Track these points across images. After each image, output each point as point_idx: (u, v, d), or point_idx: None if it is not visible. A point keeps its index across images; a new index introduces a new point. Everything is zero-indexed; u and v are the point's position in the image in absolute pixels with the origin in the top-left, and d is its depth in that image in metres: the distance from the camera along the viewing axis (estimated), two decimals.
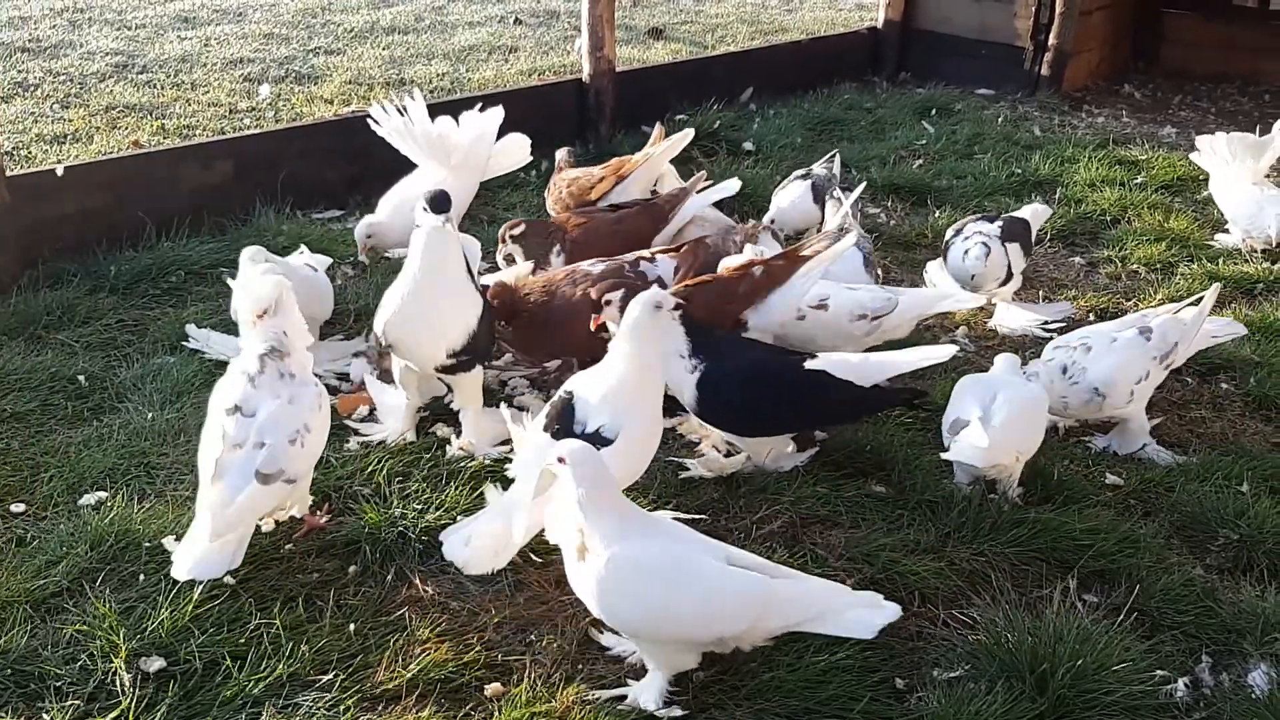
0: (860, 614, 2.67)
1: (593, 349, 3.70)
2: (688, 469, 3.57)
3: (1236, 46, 8.85)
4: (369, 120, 5.03)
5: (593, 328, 3.64)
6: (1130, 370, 3.79)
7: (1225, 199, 5.69)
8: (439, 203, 3.38)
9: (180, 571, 2.92)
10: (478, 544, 3.05)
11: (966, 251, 4.53)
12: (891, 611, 2.67)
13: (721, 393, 3.42)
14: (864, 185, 5.13)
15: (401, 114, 4.93)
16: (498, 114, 5.05)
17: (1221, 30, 8.91)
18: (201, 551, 2.93)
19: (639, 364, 3.10)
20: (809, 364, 3.51)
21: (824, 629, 2.68)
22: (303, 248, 4.49)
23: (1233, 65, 8.88)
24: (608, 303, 3.55)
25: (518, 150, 5.22)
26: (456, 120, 5.07)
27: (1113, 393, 3.76)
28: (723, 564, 2.66)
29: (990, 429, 3.35)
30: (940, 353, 3.66)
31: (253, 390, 3.06)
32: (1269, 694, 2.82)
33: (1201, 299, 3.96)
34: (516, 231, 4.45)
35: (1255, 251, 5.55)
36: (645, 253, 4.24)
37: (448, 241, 3.43)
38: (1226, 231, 5.73)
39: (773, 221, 5.18)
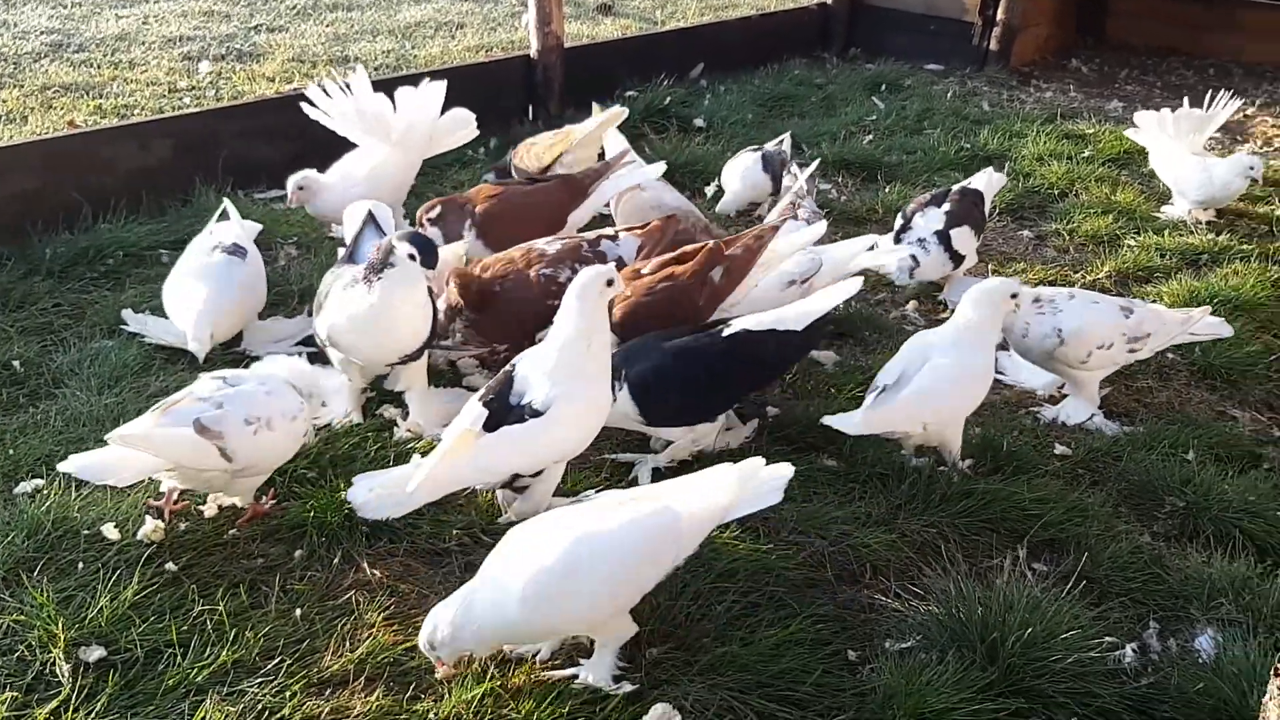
0: (761, 485, 2.73)
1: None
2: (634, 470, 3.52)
3: (1180, 21, 8.94)
4: (302, 104, 4.87)
5: None
6: (1099, 330, 3.80)
7: (1169, 172, 5.74)
8: (427, 256, 3.27)
9: (68, 465, 2.98)
10: (380, 492, 3.02)
11: (899, 260, 4.52)
12: (786, 469, 2.73)
13: (657, 392, 3.34)
14: (817, 162, 5.08)
15: (345, 90, 4.81)
16: (440, 89, 4.94)
17: (1165, 4, 8.99)
18: (100, 455, 2.99)
19: (583, 338, 3.05)
20: (726, 331, 3.44)
21: (739, 513, 2.75)
22: (211, 230, 4.23)
23: (1176, 39, 8.97)
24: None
25: (462, 126, 5.11)
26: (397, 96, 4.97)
27: (1073, 341, 3.77)
28: (621, 520, 2.61)
29: (899, 396, 3.34)
30: (848, 287, 3.58)
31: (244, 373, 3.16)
32: (1215, 658, 2.85)
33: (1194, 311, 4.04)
34: (433, 214, 4.35)
35: (1200, 223, 5.61)
36: (608, 231, 4.17)
37: (419, 279, 3.36)
38: (1171, 204, 5.78)
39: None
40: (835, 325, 3.62)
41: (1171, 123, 5.68)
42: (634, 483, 3.40)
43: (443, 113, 4.99)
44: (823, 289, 4.07)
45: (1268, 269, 5.08)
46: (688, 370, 3.35)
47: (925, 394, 3.35)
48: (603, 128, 5.17)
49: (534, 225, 4.22)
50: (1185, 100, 5.80)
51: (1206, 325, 4.04)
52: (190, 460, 2.99)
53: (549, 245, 3.99)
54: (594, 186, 4.55)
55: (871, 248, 4.32)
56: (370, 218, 3.83)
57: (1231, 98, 5.77)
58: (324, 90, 4.83)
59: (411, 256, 3.25)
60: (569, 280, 3.75)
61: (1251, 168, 5.49)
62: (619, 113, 5.23)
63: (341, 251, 3.93)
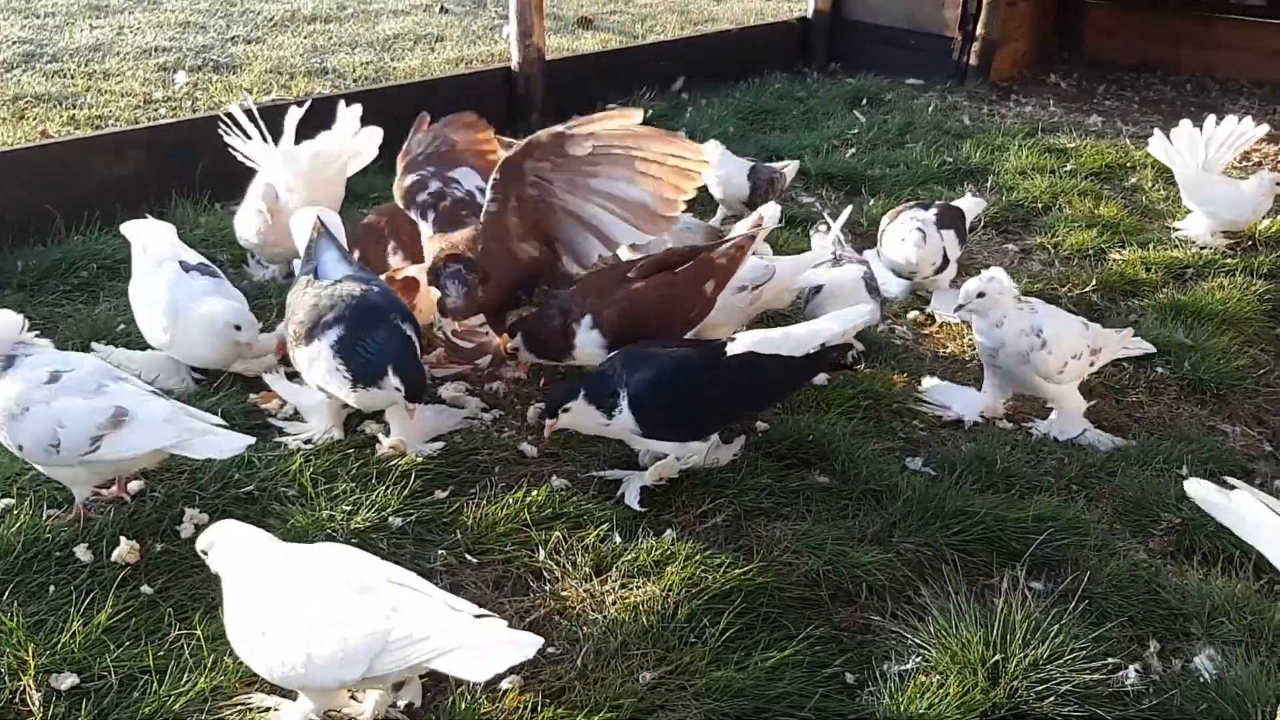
0: (493, 651, 2.30)
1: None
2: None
3: (1156, 36, 9.00)
4: (221, 131, 4.60)
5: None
6: (1071, 340, 3.78)
7: (1199, 193, 5.57)
8: (414, 390, 3.27)
9: None
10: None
11: (903, 239, 4.51)
12: (529, 645, 2.29)
13: (658, 403, 3.28)
14: (848, 211, 4.99)
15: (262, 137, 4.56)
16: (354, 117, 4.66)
17: (1141, 21, 9.05)
18: None
19: None
20: (731, 349, 3.39)
21: (444, 667, 2.34)
22: (141, 242, 3.89)
23: (1153, 54, 9.03)
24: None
25: (368, 149, 4.74)
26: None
27: (1054, 346, 3.73)
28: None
29: None
30: (858, 313, 3.55)
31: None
32: (1216, 678, 2.80)
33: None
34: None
35: (1226, 244, 5.55)
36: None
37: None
38: (1184, 222, 5.71)
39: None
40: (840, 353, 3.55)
41: (1204, 142, 5.55)
42: (620, 501, 3.33)
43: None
44: (780, 300, 4.09)
45: (1253, 283, 5.07)
46: (690, 385, 3.29)
47: None
48: None
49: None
50: (1195, 120, 5.65)
51: (1136, 344, 4.15)
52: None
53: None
54: None
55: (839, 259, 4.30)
56: (320, 224, 3.74)
57: (1241, 120, 5.65)
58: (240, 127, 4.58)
59: (397, 389, 3.25)
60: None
61: (1278, 184, 5.49)
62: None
63: (298, 263, 3.84)
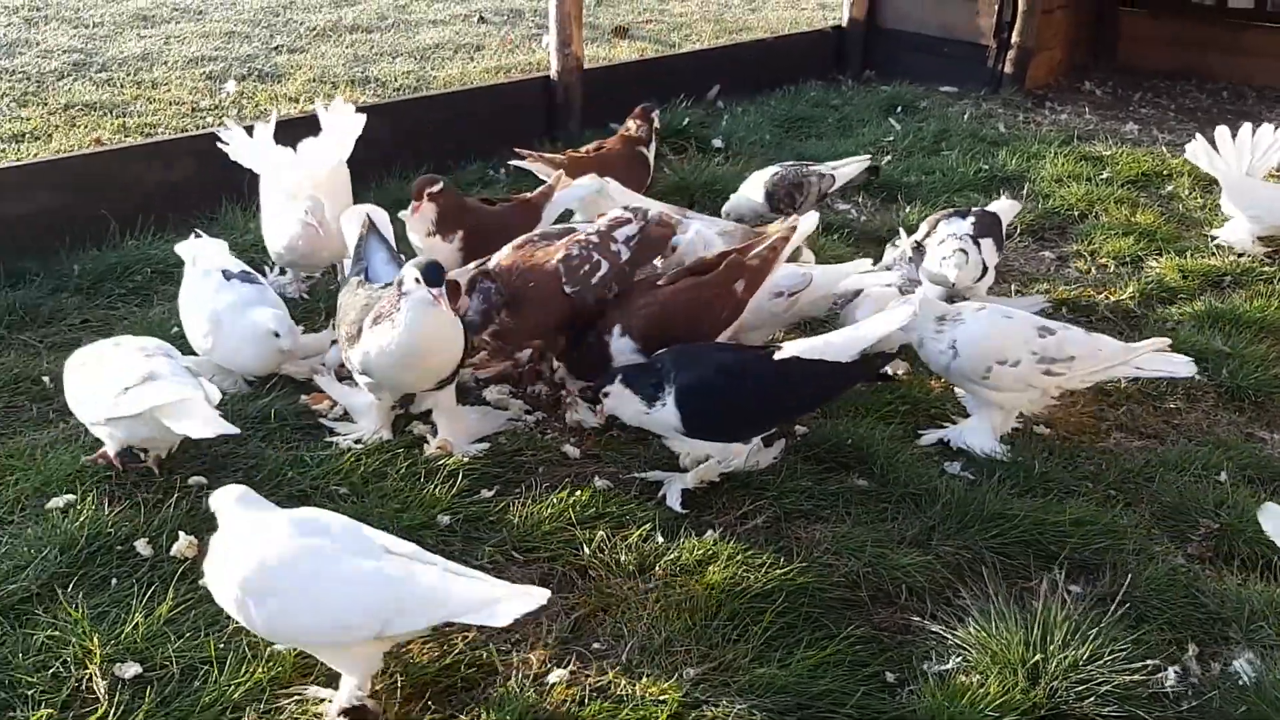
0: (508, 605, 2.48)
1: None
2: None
3: (1192, 43, 8.96)
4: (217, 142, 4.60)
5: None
6: (999, 344, 3.64)
7: (1244, 197, 5.54)
8: (432, 275, 3.21)
9: None
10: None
11: (945, 258, 4.46)
12: (539, 596, 2.50)
13: (704, 403, 3.35)
14: (855, 164, 5.01)
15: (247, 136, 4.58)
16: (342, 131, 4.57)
17: (1178, 27, 9.01)
18: None
19: None
20: (777, 354, 3.46)
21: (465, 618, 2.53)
22: (191, 255, 4.01)
23: (1189, 62, 8.98)
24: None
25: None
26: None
27: (968, 352, 3.64)
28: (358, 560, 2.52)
29: None
30: (899, 316, 3.57)
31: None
32: (1255, 681, 2.83)
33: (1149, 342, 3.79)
34: (436, 189, 4.23)
35: (1264, 251, 5.53)
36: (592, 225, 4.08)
37: (440, 311, 3.29)
38: (1222, 229, 5.69)
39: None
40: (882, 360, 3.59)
41: (1249, 147, 5.52)
42: (661, 502, 3.40)
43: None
44: (816, 308, 4.16)
45: None
46: (737, 387, 3.35)
47: None
48: None
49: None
50: (1232, 127, 5.61)
51: (1164, 362, 3.72)
52: None
53: (547, 240, 3.98)
54: (544, 208, 4.57)
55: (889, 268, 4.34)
56: (369, 223, 3.82)
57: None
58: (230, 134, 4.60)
59: (417, 280, 3.22)
60: (579, 254, 3.83)
61: None
62: None
63: (348, 264, 3.92)
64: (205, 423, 3.12)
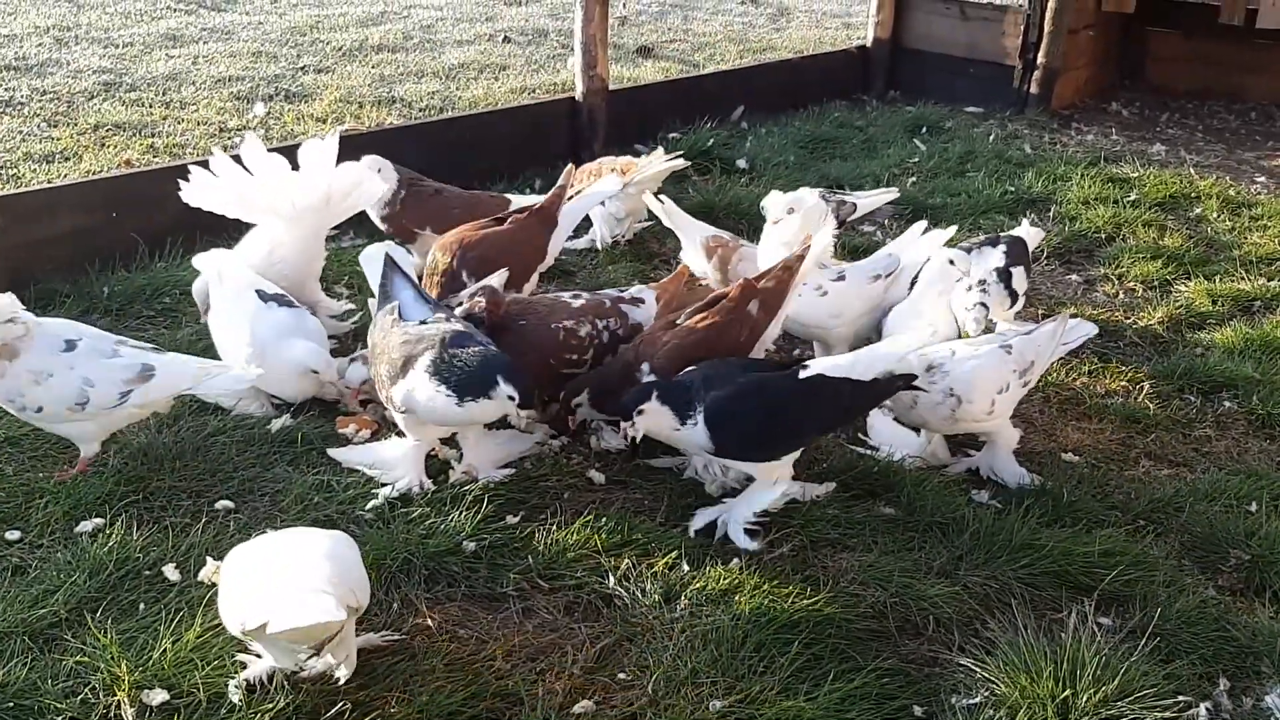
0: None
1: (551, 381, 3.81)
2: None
3: (1220, 63, 8.90)
4: (182, 182, 4.35)
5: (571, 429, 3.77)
6: (992, 377, 3.64)
7: None
8: (526, 396, 3.29)
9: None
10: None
11: (967, 308, 4.40)
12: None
13: (732, 421, 3.33)
14: (883, 194, 5.31)
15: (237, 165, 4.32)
16: (328, 146, 4.30)
17: (1205, 48, 8.96)
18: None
19: None
20: (803, 373, 3.46)
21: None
22: (214, 269, 4.09)
23: (1217, 82, 8.93)
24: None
25: (359, 183, 4.41)
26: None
27: (969, 395, 3.61)
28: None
29: None
30: (920, 335, 3.59)
31: None
32: None
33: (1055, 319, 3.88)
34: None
35: None
36: (627, 293, 4.11)
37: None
38: None
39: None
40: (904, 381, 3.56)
41: None
42: (685, 531, 3.39)
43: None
44: (890, 338, 4.12)
45: None
46: (763, 405, 3.34)
47: None
48: (661, 174, 5.30)
49: (517, 256, 4.29)
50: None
51: (1075, 331, 3.97)
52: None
53: (574, 299, 4.01)
54: (559, 210, 4.56)
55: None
56: (390, 260, 3.83)
57: None
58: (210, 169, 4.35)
59: (510, 398, 3.28)
60: (587, 335, 3.86)
61: None
62: (679, 163, 5.41)
63: (373, 303, 3.89)
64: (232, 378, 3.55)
